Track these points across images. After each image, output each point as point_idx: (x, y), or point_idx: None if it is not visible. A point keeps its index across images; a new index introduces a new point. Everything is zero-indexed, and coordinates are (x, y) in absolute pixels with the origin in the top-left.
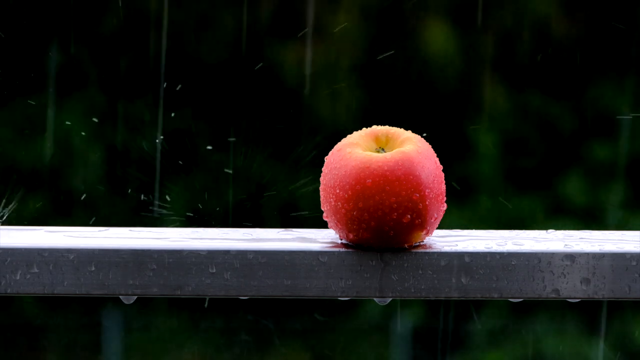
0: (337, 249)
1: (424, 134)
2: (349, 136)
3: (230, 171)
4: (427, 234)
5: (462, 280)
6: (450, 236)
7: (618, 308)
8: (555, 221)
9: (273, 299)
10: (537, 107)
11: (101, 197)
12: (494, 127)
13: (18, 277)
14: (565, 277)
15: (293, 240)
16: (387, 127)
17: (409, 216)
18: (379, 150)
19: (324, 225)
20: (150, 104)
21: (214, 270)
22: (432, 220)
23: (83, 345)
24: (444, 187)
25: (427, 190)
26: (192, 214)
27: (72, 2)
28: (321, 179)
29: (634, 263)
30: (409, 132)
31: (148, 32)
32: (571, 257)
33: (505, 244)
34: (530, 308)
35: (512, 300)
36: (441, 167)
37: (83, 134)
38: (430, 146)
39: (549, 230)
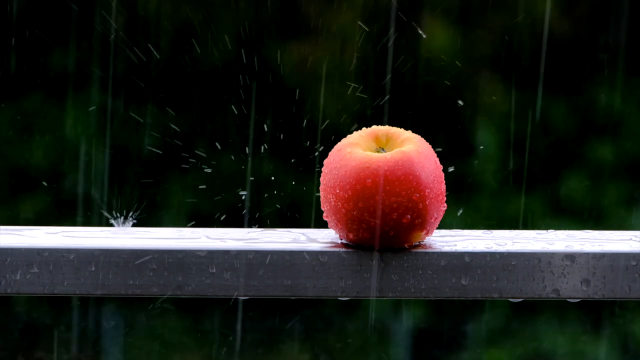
0: (337, 249)
1: (424, 134)
2: (349, 136)
3: (230, 171)
4: (427, 234)
5: (462, 280)
6: (450, 236)
7: (619, 307)
8: (555, 221)
9: (273, 299)
10: (538, 106)
11: (101, 197)
12: (494, 126)
13: (18, 277)
14: (565, 277)
15: (293, 240)
16: (387, 127)
17: (409, 216)
18: (379, 150)
19: (324, 225)
20: (150, 105)
21: (214, 270)
22: (432, 220)
23: (83, 345)
24: (444, 187)
25: (427, 190)
26: (192, 214)
27: (75, 2)
28: (321, 179)
29: (634, 263)
30: (409, 132)
31: (149, 33)
32: (571, 257)
33: (505, 244)
34: (531, 308)
35: (512, 300)
36: (441, 167)
37: (84, 134)
38: (430, 146)
39: (549, 230)
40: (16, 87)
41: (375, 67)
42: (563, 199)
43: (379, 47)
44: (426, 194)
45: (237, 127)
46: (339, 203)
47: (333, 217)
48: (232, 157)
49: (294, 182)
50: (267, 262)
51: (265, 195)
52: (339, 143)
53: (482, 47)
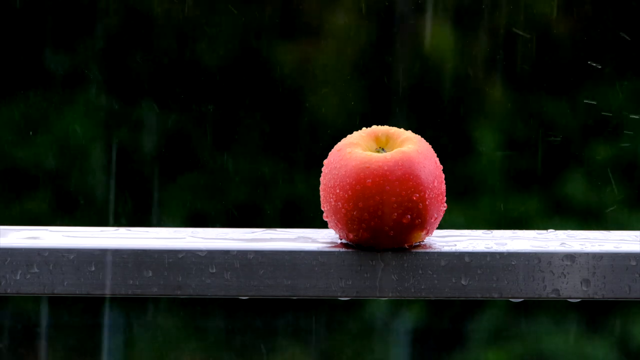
0: (337, 249)
1: (424, 134)
2: (349, 136)
3: (230, 171)
4: (427, 234)
5: (462, 280)
6: (450, 236)
7: (619, 307)
8: (555, 221)
9: (273, 299)
10: (538, 106)
11: (102, 197)
12: (494, 127)
13: (18, 277)
14: (565, 277)
15: (293, 240)
16: (387, 127)
17: (409, 216)
18: (379, 150)
19: (324, 225)
20: (151, 105)
21: (214, 270)
22: (432, 220)
23: (83, 345)
24: (444, 187)
25: (427, 190)
26: (192, 215)
27: (75, 1)
28: (321, 179)
29: (634, 263)
30: (409, 132)
31: (149, 33)
32: (571, 257)
33: (505, 244)
34: (531, 308)
35: (512, 300)
36: (441, 167)
37: (84, 134)
38: (430, 146)
39: (549, 230)
40: (16, 86)
41: (375, 67)
42: (563, 199)
43: (380, 46)
44: (426, 194)
45: (237, 127)
46: (339, 203)
47: (333, 217)
48: (232, 157)
49: (294, 182)
50: (267, 262)
51: (266, 195)
52: (339, 143)
53: (482, 47)
